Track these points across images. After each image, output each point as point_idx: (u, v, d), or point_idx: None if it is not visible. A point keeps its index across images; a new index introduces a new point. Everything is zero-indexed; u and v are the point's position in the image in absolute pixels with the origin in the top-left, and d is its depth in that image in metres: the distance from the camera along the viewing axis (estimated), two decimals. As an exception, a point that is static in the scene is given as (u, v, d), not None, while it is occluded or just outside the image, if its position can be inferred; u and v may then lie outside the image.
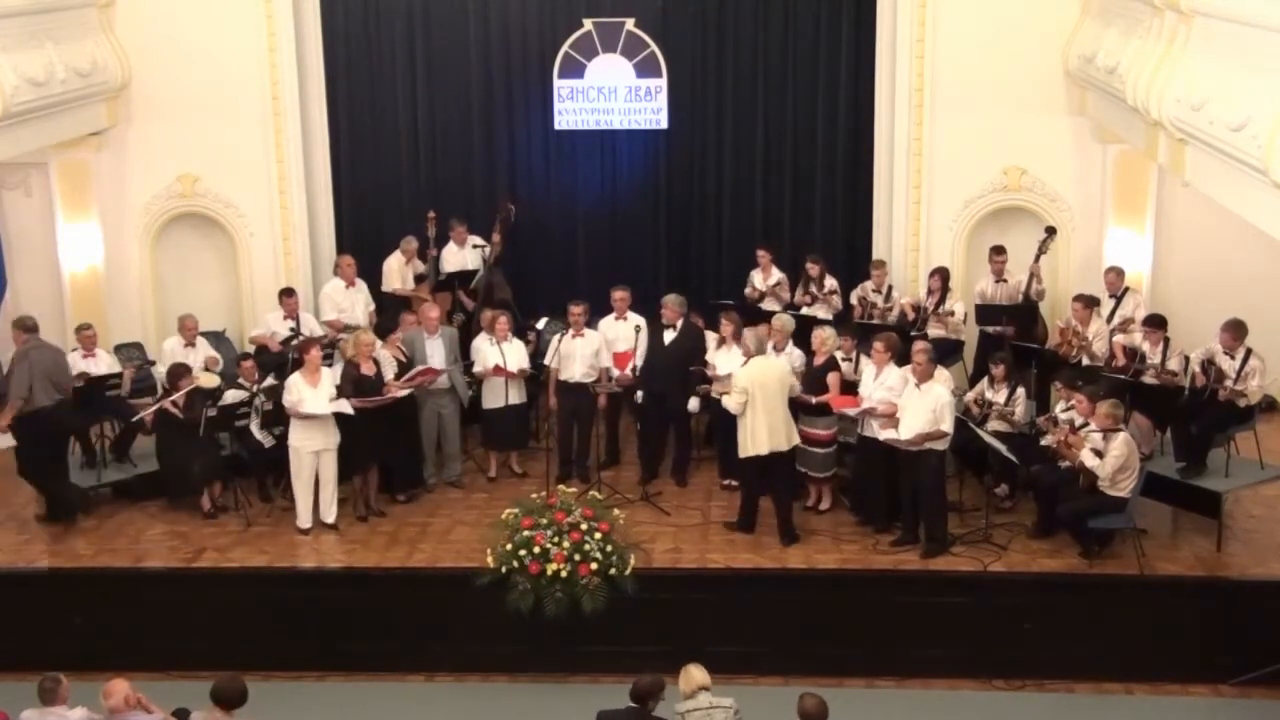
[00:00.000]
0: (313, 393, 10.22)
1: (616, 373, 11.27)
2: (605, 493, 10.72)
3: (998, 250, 12.16)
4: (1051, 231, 12.01)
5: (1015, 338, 11.57)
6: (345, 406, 10.23)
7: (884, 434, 9.93)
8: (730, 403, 10.03)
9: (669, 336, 11.10)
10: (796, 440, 10.18)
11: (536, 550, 9.40)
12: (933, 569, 9.83)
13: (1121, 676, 9.53)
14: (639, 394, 11.28)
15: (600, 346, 11.30)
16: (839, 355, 10.68)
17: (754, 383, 9.96)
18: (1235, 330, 10.21)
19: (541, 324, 12.08)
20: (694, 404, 11.03)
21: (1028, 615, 9.56)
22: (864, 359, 10.65)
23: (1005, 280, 12.08)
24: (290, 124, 12.89)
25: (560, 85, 13.26)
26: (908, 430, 9.76)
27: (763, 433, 9.99)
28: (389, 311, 12.35)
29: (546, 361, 11.36)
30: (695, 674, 7.15)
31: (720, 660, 9.06)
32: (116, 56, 12.54)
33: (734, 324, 10.83)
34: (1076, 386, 10.00)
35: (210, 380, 11.08)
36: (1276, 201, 7.60)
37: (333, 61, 13.26)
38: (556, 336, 11.32)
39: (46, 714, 7.16)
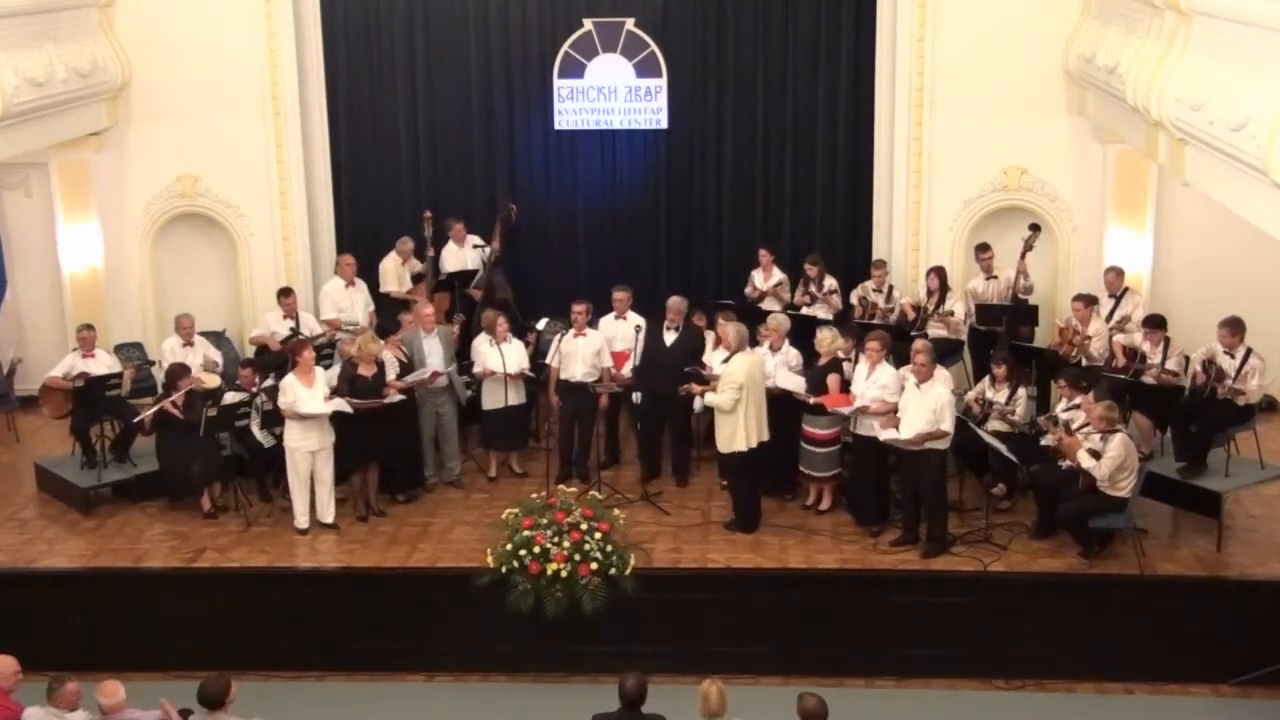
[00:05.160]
0: (308, 393, 10.22)
1: (615, 371, 11.28)
2: (605, 493, 10.72)
3: (983, 248, 12.20)
4: (1036, 229, 12.00)
5: (1005, 336, 11.58)
6: (343, 406, 10.24)
7: (884, 434, 9.93)
8: (724, 399, 10.03)
9: (670, 337, 11.11)
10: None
11: (536, 550, 9.40)
12: (933, 569, 9.83)
13: (1121, 676, 9.53)
14: (635, 395, 11.29)
15: (602, 346, 11.31)
16: (840, 355, 10.67)
17: (748, 377, 9.98)
18: (1233, 327, 10.20)
19: (541, 324, 12.08)
20: (698, 403, 11.03)
21: (1028, 615, 9.56)
22: (861, 358, 10.65)
23: (995, 277, 12.10)
24: (290, 124, 12.90)
25: (560, 85, 13.27)
26: (908, 430, 9.76)
27: (754, 427, 10.05)
28: (387, 312, 12.36)
29: (548, 360, 11.37)
30: (714, 699, 7.08)
31: (720, 660, 9.12)
32: (116, 56, 12.54)
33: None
34: (1083, 387, 9.99)
35: (210, 380, 11.08)
36: (1276, 201, 7.61)
37: (333, 61, 13.26)
38: (558, 336, 11.32)
39: (49, 712, 7.18)
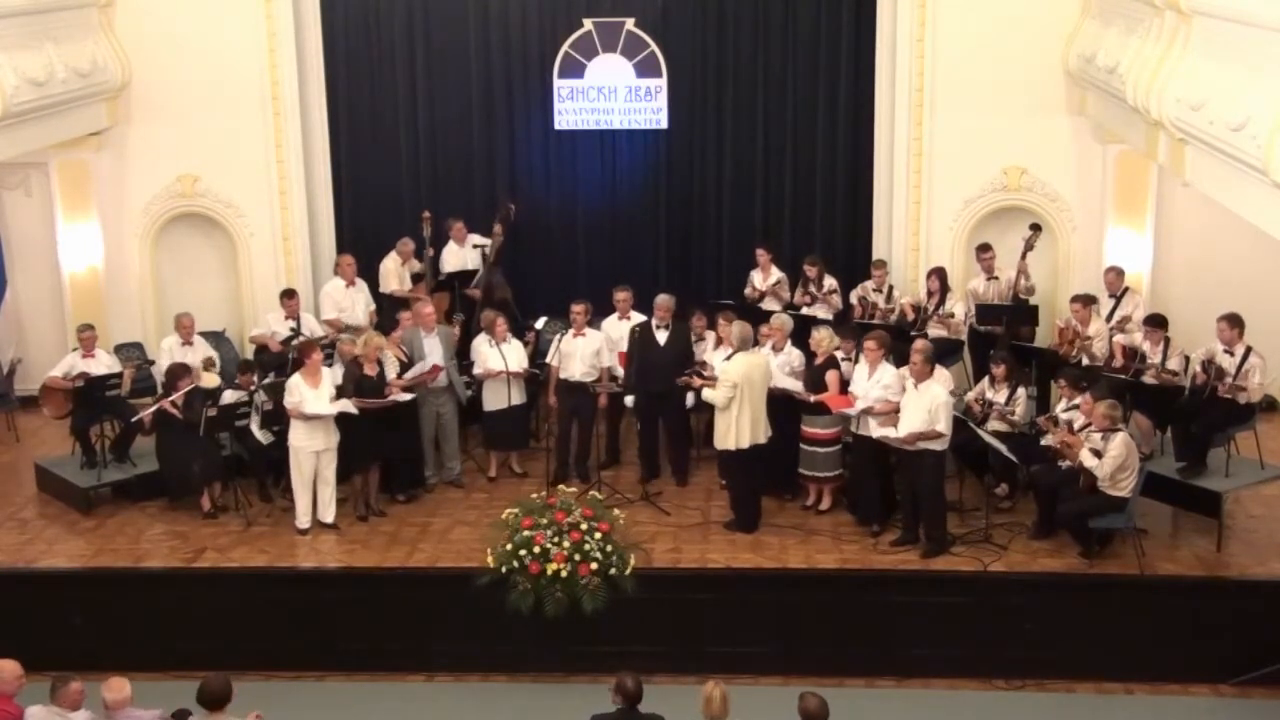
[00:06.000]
0: (314, 394, 10.22)
1: (620, 371, 11.29)
2: (605, 493, 10.72)
3: (984, 248, 12.19)
4: (1036, 229, 12.00)
5: (1005, 336, 11.58)
6: (349, 407, 10.24)
7: (878, 432, 9.93)
8: (718, 396, 10.05)
9: (662, 336, 11.12)
10: (770, 434, 10.21)
11: (536, 550, 9.40)
12: (933, 569, 9.83)
13: (1121, 676, 9.53)
14: (628, 398, 11.29)
15: (601, 346, 11.31)
16: (839, 355, 10.68)
17: (744, 377, 9.98)
18: (1232, 321, 10.20)
19: (540, 324, 12.08)
20: (691, 398, 11.04)
21: (1028, 615, 9.55)
22: (861, 358, 10.65)
23: (996, 277, 12.10)
24: (290, 124, 12.90)
25: (560, 85, 13.27)
26: (903, 429, 9.77)
27: (746, 427, 10.05)
28: (387, 312, 12.36)
29: (548, 360, 11.36)
30: (717, 703, 7.04)
31: (720, 660, 9.14)
32: (116, 56, 12.54)
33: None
34: (1081, 387, 10.00)
35: (210, 380, 11.08)
36: (1276, 201, 7.61)
37: (333, 61, 13.27)
38: (558, 336, 11.32)
39: (52, 711, 7.18)
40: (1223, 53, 8.55)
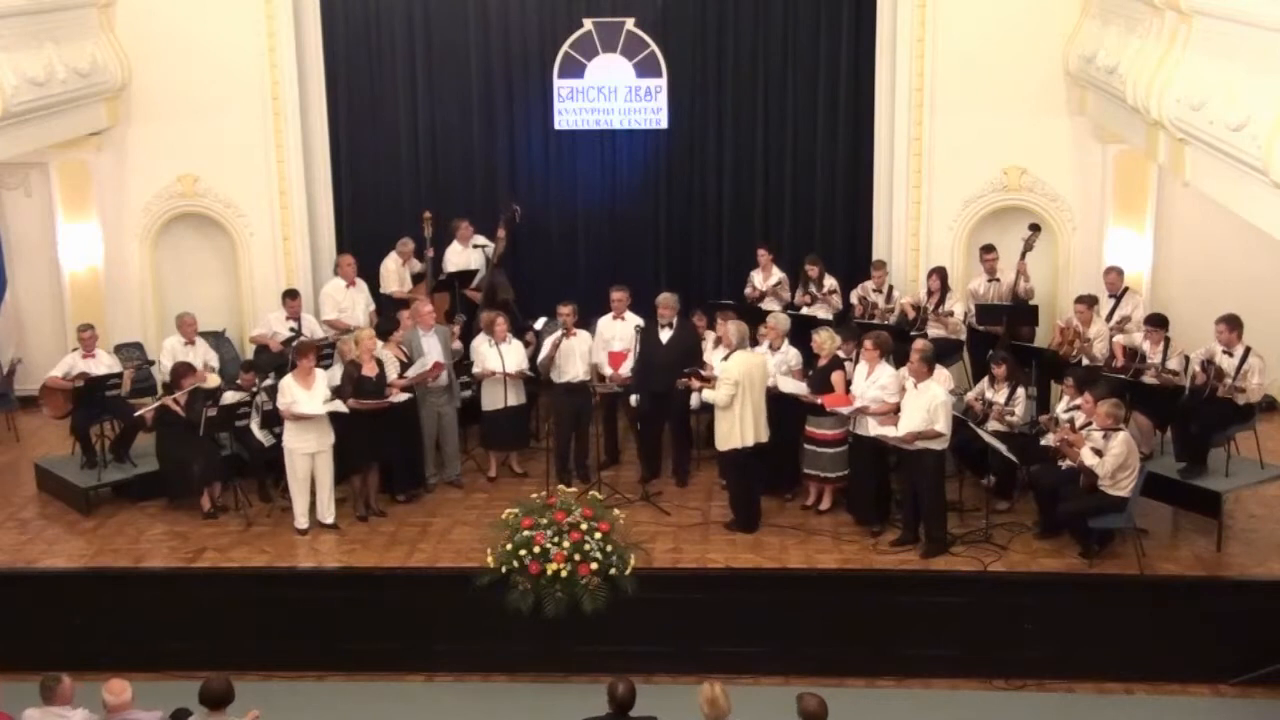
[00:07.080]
0: (306, 394, 10.21)
1: (609, 371, 11.29)
2: (605, 493, 10.72)
3: (987, 249, 12.18)
4: (1035, 229, 12.00)
5: (1005, 336, 11.58)
6: (339, 406, 10.24)
7: (876, 430, 9.94)
8: (719, 395, 10.05)
9: (665, 335, 11.12)
10: (768, 433, 10.23)
11: (536, 550, 9.40)
12: (933, 569, 9.83)
13: (1121, 676, 9.52)
14: (633, 398, 11.30)
15: (592, 344, 11.30)
16: (840, 355, 10.67)
17: (745, 375, 9.99)
18: (1231, 323, 10.20)
19: (540, 324, 12.08)
20: (695, 400, 11.04)
21: (1028, 615, 9.56)
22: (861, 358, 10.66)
23: (998, 279, 12.09)
24: (290, 124, 12.90)
25: (560, 85, 13.27)
26: (902, 429, 9.77)
27: (750, 425, 10.05)
28: (388, 313, 12.36)
29: (538, 363, 11.35)
30: (720, 702, 7.06)
31: (720, 660, 9.13)
32: (116, 56, 12.54)
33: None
34: (1086, 387, 9.99)
35: (211, 380, 11.08)
36: (1276, 201, 7.61)
37: (333, 61, 13.27)
38: (554, 336, 11.31)
39: (48, 713, 7.18)
40: (1223, 53, 8.55)
